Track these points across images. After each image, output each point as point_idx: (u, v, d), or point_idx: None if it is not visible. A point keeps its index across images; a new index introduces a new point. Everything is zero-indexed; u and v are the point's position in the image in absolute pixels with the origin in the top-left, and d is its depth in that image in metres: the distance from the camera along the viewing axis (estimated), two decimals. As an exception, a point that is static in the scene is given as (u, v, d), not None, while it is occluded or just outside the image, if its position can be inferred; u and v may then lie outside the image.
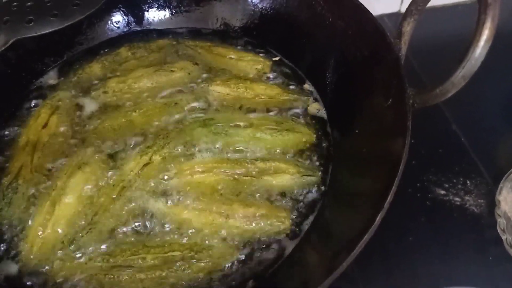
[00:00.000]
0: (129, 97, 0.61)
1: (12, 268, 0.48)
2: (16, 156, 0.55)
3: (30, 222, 0.50)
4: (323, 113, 0.61)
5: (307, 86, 0.64)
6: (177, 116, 0.58)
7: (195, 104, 0.60)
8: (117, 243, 0.49)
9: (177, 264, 0.47)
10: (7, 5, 0.54)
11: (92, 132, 0.57)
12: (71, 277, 0.47)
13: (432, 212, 0.62)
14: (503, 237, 0.57)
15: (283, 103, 0.61)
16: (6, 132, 0.58)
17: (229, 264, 0.48)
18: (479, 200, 0.63)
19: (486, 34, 0.41)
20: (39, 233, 0.48)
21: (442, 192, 0.64)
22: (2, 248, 0.49)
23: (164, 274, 0.46)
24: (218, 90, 0.61)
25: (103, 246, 0.48)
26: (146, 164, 0.53)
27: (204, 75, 0.63)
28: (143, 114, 0.58)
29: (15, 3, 0.54)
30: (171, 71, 0.63)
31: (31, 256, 0.48)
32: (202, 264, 0.47)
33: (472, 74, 0.44)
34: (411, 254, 0.58)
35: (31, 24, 0.53)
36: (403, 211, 0.60)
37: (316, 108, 0.61)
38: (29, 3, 0.54)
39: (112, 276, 0.46)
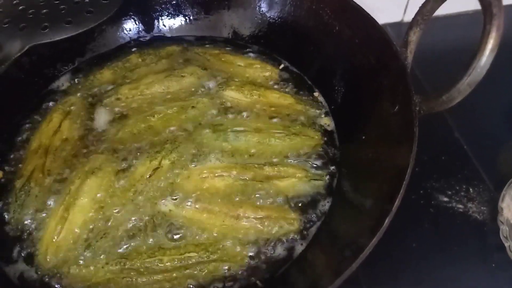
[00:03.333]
0: (143, 103, 0.62)
1: (27, 270, 0.48)
2: (29, 159, 0.56)
3: (44, 225, 0.50)
4: (332, 126, 0.62)
5: (317, 95, 0.65)
6: (194, 120, 0.59)
7: (211, 107, 0.61)
8: (132, 246, 0.49)
9: (194, 264, 0.48)
10: (24, 12, 0.55)
11: (109, 136, 0.58)
12: (88, 281, 0.47)
13: (436, 218, 0.62)
14: (506, 244, 0.58)
15: (295, 112, 0.62)
16: (19, 136, 0.59)
17: (241, 264, 0.49)
18: (482, 207, 0.63)
19: (491, 43, 0.42)
20: (54, 237, 0.49)
21: (445, 199, 0.64)
22: (16, 250, 0.49)
23: (181, 275, 0.47)
24: (232, 95, 0.62)
25: (119, 250, 0.49)
26: (156, 169, 0.54)
27: (215, 81, 0.64)
28: (161, 118, 0.59)
29: (31, 11, 0.55)
30: (182, 76, 0.64)
31: (47, 260, 0.48)
32: (218, 264, 0.48)
33: (478, 82, 0.45)
34: (415, 260, 0.59)
35: (46, 31, 0.54)
36: (406, 217, 0.59)
37: (326, 123, 0.62)
38: (45, 11, 0.56)
39: (129, 279, 0.47)
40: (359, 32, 0.60)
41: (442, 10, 0.81)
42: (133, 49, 0.70)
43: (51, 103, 0.63)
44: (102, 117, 0.61)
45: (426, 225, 0.62)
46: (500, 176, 0.66)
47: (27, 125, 0.60)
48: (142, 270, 0.47)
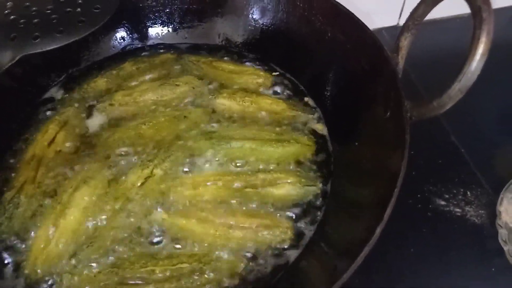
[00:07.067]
0: (136, 110, 0.62)
1: (18, 283, 0.48)
2: (21, 171, 0.56)
3: (33, 236, 0.50)
4: (325, 131, 0.62)
5: (310, 101, 0.65)
6: (186, 128, 0.59)
7: (204, 116, 0.61)
8: (124, 255, 0.49)
9: (186, 276, 0.47)
10: (15, 22, 0.55)
11: (100, 145, 0.58)
12: (81, 290, 0.47)
13: (433, 223, 0.62)
14: (505, 248, 0.57)
15: (288, 118, 0.62)
16: (12, 146, 0.59)
17: (235, 275, 0.48)
18: (479, 211, 0.63)
19: (481, 48, 0.42)
20: (44, 247, 0.49)
21: (443, 203, 0.64)
22: (6, 262, 0.49)
23: (173, 286, 0.47)
24: (224, 102, 0.62)
25: (110, 259, 0.49)
26: (147, 178, 0.54)
27: (208, 88, 0.64)
28: (152, 127, 0.59)
29: (22, 20, 0.55)
30: (176, 85, 0.64)
31: (37, 270, 0.48)
32: (211, 275, 0.48)
33: (469, 87, 0.45)
34: (413, 265, 0.58)
35: (37, 41, 0.54)
36: (404, 222, 0.60)
37: (319, 128, 0.62)
38: (36, 20, 0.55)
39: (121, 289, 0.46)
40: (351, 38, 0.59)
41: (438, 13, 0.81)
42: (126, 58, 0.69)
43: (45, 113, 0.63)
44: (95, 123, 0.60)
45: (423, 229, 0.61)
46: (497, 179, 0.65)
47: (21, 136, 0.60)
48: (134, 280, 0.47)
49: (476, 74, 0.43)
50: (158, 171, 0.54)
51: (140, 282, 0.47)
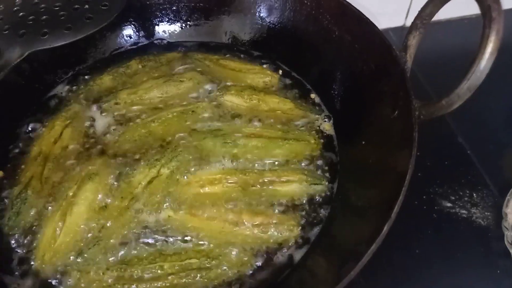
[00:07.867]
0: (142, 108, 0.61)
1: (26, 278, 0.48)
2: (28, 166, 0.56)
3: (40, 232, 0.50)
4: (331, 130, 0.62)
5: (316, 100, 0.65)
6: (193, 125, 0.59)
7: (210, 112, 0.61)
8: (133, 252, 0.49)
9: (195, 271, 0.48)
10: (24, 19, 0.55)
11: (108, 143, 0.58)
12: (88, 287, 0.47)
13: (439, 224, 0.62)
14: (511, 250, 0.57)
15: (294, 117, 0.62)
16: (19, 143, 0.59)
17: (242, 271, 0.49)
18: (485, 213, 0.63)
19: (491, 47, 0.42)
20: (51, 243, 0.49)
21: (449, 204, 0.63)
22: (13, 258, 0.49)
23: (182, 281, 0.47)
24: (232, 100, 0.62)
25: (118, 255, 0.49)
26: (154, 177, 0.54)
27: (214, 86, 0.64)
28: (161, 123, 0.59)
29: (31, 17, 0.55)
30: (180, 81, 0.63)
31: (44, 266, 0.48)
32: (219, 271, 0.48)
33: (477, 86, 0.45)
34: (418, 266, 0.58)
35: (45, 37, 0.54)
36: (409, 223, 0.60)
37: (325, 127, 0.62)
38: (44, 17, 0.56)
39: (130, 285, 0.47)
40: (359, 37, 0.59)
41: (446, 14, 0.81)
42: (133, 56, 0.70)
43: (52, 110, 0.63)
44: (101, 123, 0.60)
45: (429, 231, 0.61)
46: (504, 181, 0.65)
47: (28, 132, 0.60)
48: (142, 276, 0.47)
49: (485, 73, 0.43)
50: (165, 171, 0.54)
51: (149, 277, 0.47)
